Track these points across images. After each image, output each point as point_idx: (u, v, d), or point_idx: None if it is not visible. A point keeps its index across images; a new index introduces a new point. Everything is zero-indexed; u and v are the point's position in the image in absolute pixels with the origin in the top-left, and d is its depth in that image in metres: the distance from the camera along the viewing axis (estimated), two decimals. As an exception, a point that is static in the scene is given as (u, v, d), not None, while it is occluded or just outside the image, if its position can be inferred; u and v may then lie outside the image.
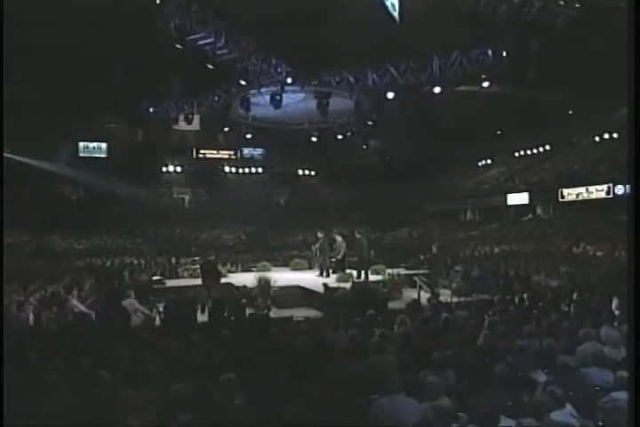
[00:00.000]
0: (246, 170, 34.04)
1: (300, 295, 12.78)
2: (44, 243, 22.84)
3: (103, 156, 29.69)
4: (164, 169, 31.54)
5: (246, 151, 34.01)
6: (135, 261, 20.01)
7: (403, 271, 14.67)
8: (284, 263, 19.60)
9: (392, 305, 10.89)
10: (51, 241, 23.50)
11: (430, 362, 5.10)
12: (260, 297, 12.06)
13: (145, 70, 16.50)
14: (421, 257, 16.16)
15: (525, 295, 9.68)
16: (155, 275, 16.00)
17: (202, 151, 32.75)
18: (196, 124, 28.50)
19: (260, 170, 34.28)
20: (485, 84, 15.89)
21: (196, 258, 17.01)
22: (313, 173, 35.99)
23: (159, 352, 5.67)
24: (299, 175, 35.69)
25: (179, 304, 9.87)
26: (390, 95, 17.44)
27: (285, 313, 10.82)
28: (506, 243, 21.76)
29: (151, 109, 21.19)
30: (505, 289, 11.96)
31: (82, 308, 10.49)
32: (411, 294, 12.47)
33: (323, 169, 34.78)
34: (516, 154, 31.76)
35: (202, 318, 9.98)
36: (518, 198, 27.23)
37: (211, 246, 24.22)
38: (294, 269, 18.16)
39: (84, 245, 24.01)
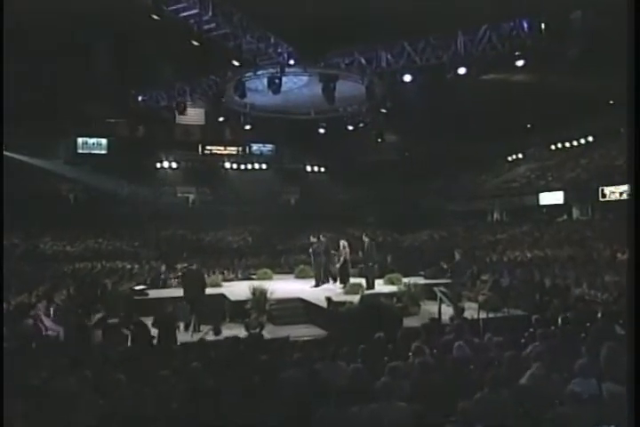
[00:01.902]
0: (249, 166, 33.53)
1: (301, 310, 11.94)
2: (34, 246, 22.53)
3: (103, 152, 29.77)
4: (168, 166, 31.34)
5: (255, 147, 33.85)
6: (129, 266, 19.77)
7: (421, 281, 13.77)
8: (290, 270, 18.93)
9: (408, 322, 10.02)
10: (41, 244, 23.24)
11: (454, 412, 4.22)
12: (255, 312, 11.16)
13: (115, 46, 15.61)
14: (443, 265, 15.15)
15: (569, 314, 8.57)
16: (140, 283, 15.29)
17: (208, 147, 32.64)
18: (200, 118, 28.22)
19: (264, 166, 33.73)
20: (520, 63, 14.63)
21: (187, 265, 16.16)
22: (323, 169, 35.17)
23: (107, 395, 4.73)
24: (307, 172, 34.90)
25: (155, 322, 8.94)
26: (407, 78, 16.33)
27: (282, 332, 10.09)
28: (539, 247, 20.81)
29: (140, 98, 20.35)
30: (542, 304, 11.01)
31: (47, 324, 9.82)
32: (430, 307, 11.61)
33: (333, 165, 34.01)
34: (552, 147, 30.53)
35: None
36: (552, 198, 26.19)
37: (213, 250, 24.22)
38: (299, 276, 17.48)
39: (76, 247, 23.78)
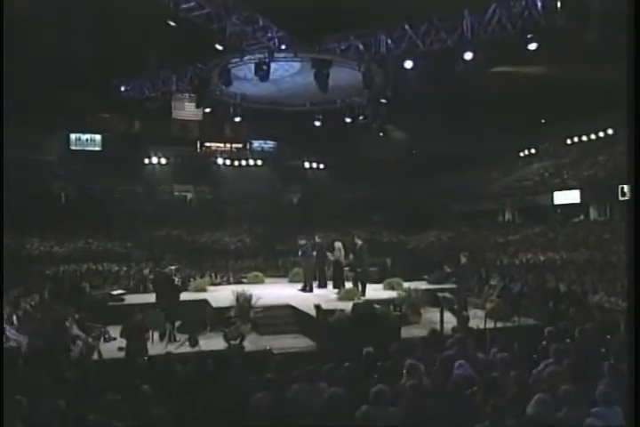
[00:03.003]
0: (243, 162, 33.51)
1: (290, 318, 11.32)
2: (20, 247, 22.22)
3: (97, 149, 29.90)
4: (159, 162, 31.25)
5: (256, 144, 33.97)
6: (117, 268, 19.51)
7: (424, 286, 13.20)
8: (286, 273, 18.37)
9: (407, 333, 9.49)
10: (28, 244, 23.11)
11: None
12: (239, 320, 10.55)
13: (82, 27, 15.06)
14: (447, 269, 14.58)
15: (587, 324, 7.96)
16: (120, 287, 14.81)
17: (206, 144, 32.83)
18: (198, 114, 28.07)
19: (259, 162, 33.49)
20: (532, 47, 13.96)
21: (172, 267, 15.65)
22: (322, 165, 34.79)
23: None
24: (306, 168, 34.55)
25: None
26: (409, 65, 15.78)
27: (266, 342, 9.52)
28: (553, 250, 20.71)
29: (122, 88, 19.83)
30: (556, 312, 10.58)
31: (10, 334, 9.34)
32: (432, 316, 11.06)
33: (332, 161, 33.81)
34: (568, 141, 30.16)
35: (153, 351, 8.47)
36: (567, 197, 25.95)
37: (208, 251, 24.15)
38: (293, 280, 16.82)
39: (65, 248, 23.78)
